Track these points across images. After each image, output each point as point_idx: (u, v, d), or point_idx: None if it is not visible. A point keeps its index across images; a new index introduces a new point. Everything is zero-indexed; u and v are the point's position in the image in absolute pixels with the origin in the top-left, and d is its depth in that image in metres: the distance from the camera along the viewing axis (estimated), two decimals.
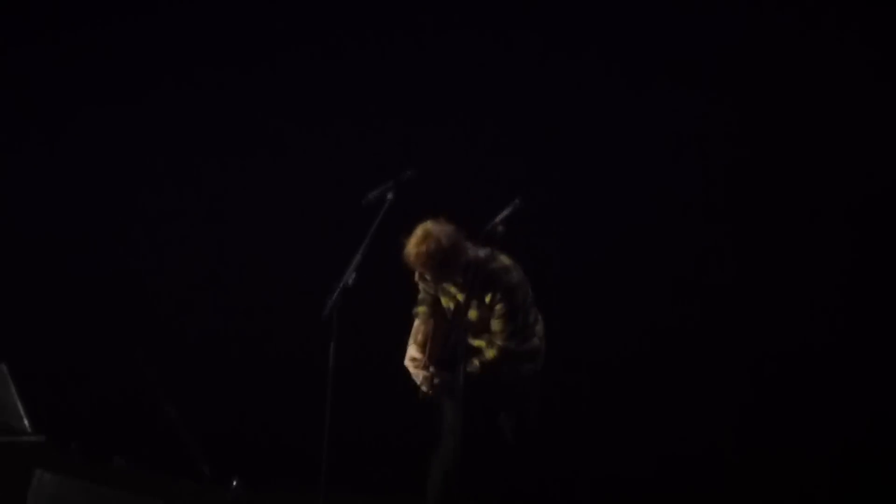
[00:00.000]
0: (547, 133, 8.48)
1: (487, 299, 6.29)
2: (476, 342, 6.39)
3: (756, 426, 8.14)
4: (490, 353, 6.38)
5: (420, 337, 6.59)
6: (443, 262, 6.22)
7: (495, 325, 6.35)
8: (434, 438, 6.56)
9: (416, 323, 6.65)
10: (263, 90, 8.93)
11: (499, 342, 6.36)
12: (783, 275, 8.13)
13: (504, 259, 6.33)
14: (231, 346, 8.98)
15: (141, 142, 9.01)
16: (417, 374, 6.43)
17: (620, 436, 8.28)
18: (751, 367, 8.14)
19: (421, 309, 6.64)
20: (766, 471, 8.10)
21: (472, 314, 6.34)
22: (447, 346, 6.37)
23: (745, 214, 8.21)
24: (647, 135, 8.30)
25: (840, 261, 7.99)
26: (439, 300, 6.56)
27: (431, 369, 6.38)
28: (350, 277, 6.23)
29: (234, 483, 7.60)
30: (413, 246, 6.21)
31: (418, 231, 6.25)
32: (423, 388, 6.40)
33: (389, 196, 6.38)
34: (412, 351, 6.58)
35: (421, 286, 6.60)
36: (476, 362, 6.35)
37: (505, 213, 6.12)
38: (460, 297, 6.37)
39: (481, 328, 6.39)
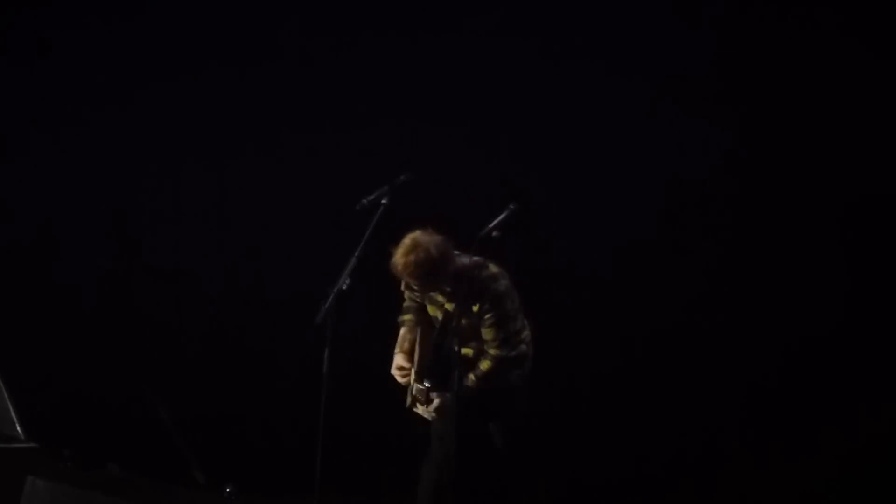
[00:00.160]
0: (542, 137, 8.48)
1: (475, 308, 6.26)
2: (465, 350, 6.36)
3: (753, 427, 8.16)
4: (485, 365, 6.35)
5: (406, 345, 6.58)
6: (431, 271, 6.19)
7: (486, 333, 6.33)
8: (423, 444, 6.55)
9: (403, 331, 6.63)
10: (260, 94, 8.92)
11: (492, 351, 6.34)
12: (781, 275, 8.14)
13: (492, 267, 6.30)
14: (225, 352, 8.97)
15: (135, 143, 9.00)
16: (420, 391, 6.38)
17: (612, 441, 8.28)
18: (747, 370, 8.15)
19: (407, 317, 6.62)
20: (763, 473, 8.10)
21: (458, 322, 6.29)
22: (438, 357, 6.34)
23: (741, 216, 8.22)
24: (643, 137, 8.30)
25: (839, 262, 8.00)
26: (425, 308, 6.54)
27: (426, 383, 6.35)
28: (344, 282, 6.21)
29: (228, 489, 7.58)
30: (401, 256, 6.18)
31: (406, 241, 6.22)
32: (419, 407, 6.38)
33: (384, 201, 6.37)
34: (399, 360, 6.56)
35: (406, 294, 6.59)
36: (472, 377, 6.33)
37: (500, 218, 6.09)
38: (448, 305, 6.35)
39: (470, 336, 6.36)
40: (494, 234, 6.06)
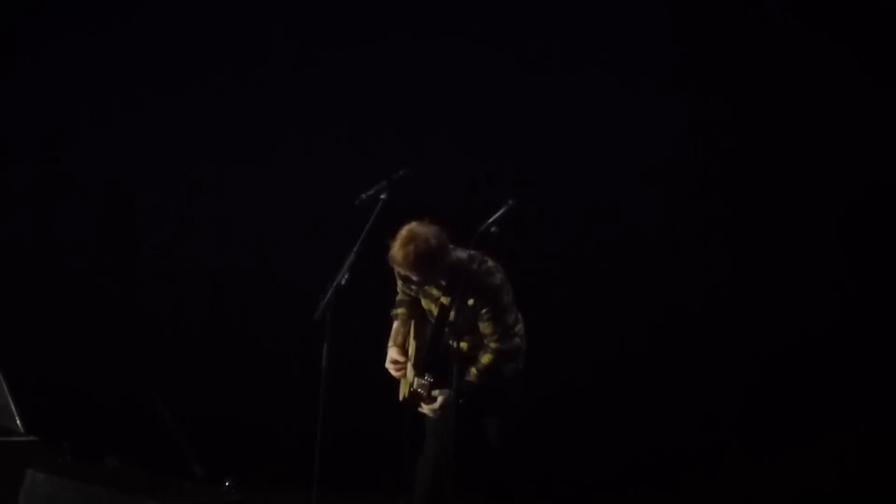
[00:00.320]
0: (541, 133, 8.49)
1: (471, 302, 6.26)
2: (461, 344, 6.35)
3: (751, 422, 8.17)
4: (486, 358, 6.36)
5: (399, 338, 6.58)
6: (430, 261, 6.19)
7: (485, 328, 6.33)
8: (419, 439, 6.55)
9: (396, 325, 6.63)
10: (259, 91, 8.93)
11: (492, 345, 6.35)
12: (779, 272, 8.15)
13: (487, 261, 6.29)
14: (224, 346, 8.98)
15: (136, 142, 9.01)
16: (422, 385, 6.37)
17: (609, 436, 8.31)
18: (744, 366, 8.17)
19: (400, 311, 6.63)
20: (760, 468, 8.12)
21: (454, 316, 6.28)
22: (436, 351, 6.34)
23: (739, 214, 8.23)
24: (640, 134, 8.31)
25: (834, 260, 8.02)
26: (418, 301, 6.54)
27: (428, 377, 6.35)
28: (343, 277, 6.21)
29: (227, 483, 7.58)
30: (399, 248, 6.18)
31: (402, 233, 6.22)
32: (422, 398, 6.36)
33: (383, 196, 6.36)
34: (393, 353, 6.57)
35: (399, 287, 6.59)
36: (474, 370, 6.33)
37: (499, 213, 6.10)
38: (444, 299, 6.34)
39: (466, 330, 6.35)
40: (493, 229, 6.06)
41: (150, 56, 8.97)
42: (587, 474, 8.27)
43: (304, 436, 6.85)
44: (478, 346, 6.39)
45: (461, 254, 6.28)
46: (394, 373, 6.57)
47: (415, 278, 6.33)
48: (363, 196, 6.38)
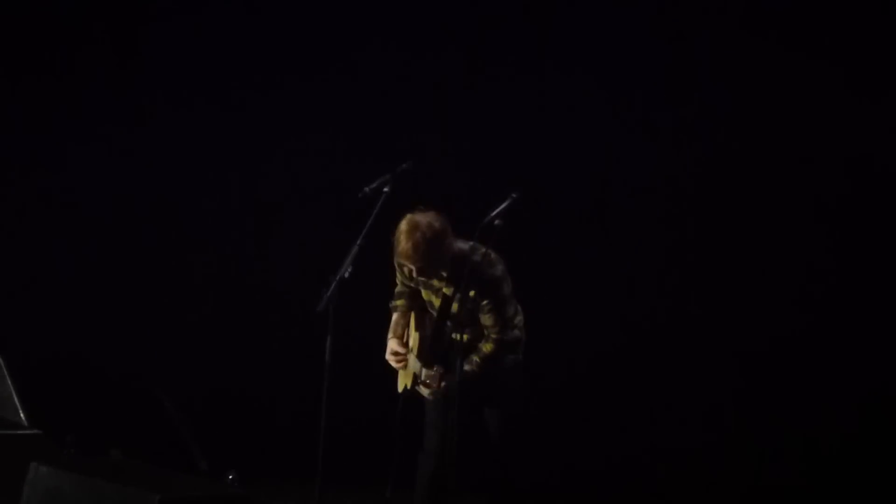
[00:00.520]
0: (541, 129, 8.51)
1: (472, 293, 6.24)
2: (463, 336, 6.34)
3: (748, 424, 8.19)
4: (487, 347, 6.35)
5: (399, 330, 6.58)
6: (438, 246, 6.18)
7: (486, 319, 6.33)
8: (410, 432, 6.55)
9: (395, 316, 6.63)
10: (264, 85, 8.94)
11: (494, 335, 6.35)
12: (776, 272, 8.17)
13: (488, 252, 6.26)
14: (228, 340, 8.98)
15: (138, 140, 9.02)
16: (430, 376, 6.35)
17: (608, 429, 8.32)
18: (739, 361, 8.19)
19: (399, 302, 6.62)
20: (752, 464, 8.14)
21: (457, 307, 6.27)
22: (440, 342, 6.34)
23: (735, 211, 8.26)
24: (638, 131, 8.34)
25: (820, 254, 8.06)
26: (418, 292, 6.53)
27: (437, 369, 6.33)
28: (346, 270, 6.21)
29: (231, 476, 7.59)
30: (406, 239, 6.18)
31: (403, 225, 6.22)
32: (431, 389, 6.35)
33: (386, 189, 6.35)
34: (393, 345, 6.56)
35: (399, 279, 6.58)
36: (476, 358, 6.33)
37: (502, 206, 6.09)
38: (447, 290, 6.34)
39: (468, 321, 6.34)
40: (496, 222, 6.06)
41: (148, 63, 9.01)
42: (588, 468, 8.27)
43: (307, 428, 6.85)
44: (479, 337, 6.38)
45: (463, 245, 6.28)
46: (394, 364, 6.56)
47: (422, 267, 6.28)
48: (366, 189, 6.37)
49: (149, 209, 9.06)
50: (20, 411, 7.01)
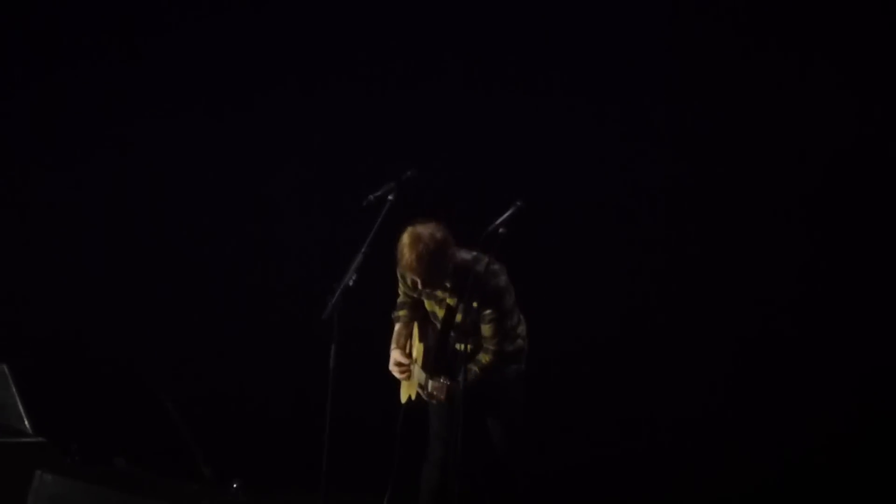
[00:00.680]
0: (546, 136, 8.52)
1: (475, 304, 6.23)
2: (467, 346, 6.32)
3: (749, 423, 8.20)
4: (485, 358, 6.35)
5: (402, 340, 6.57)
6: (441, 256, 6.18)
7: (486, 330, 6.32)
8: (412, 442, 6.55)
9: (398, 327, 6.63)
10: (269, 92, 8.94)
11: (492, 347, 6.33)
12: (776, 271, 8.19)
13: (492, 262, 6.26)
14: (232, 347, 8.98)
15: (139, 139, 9.02)
16: (437, 388, 6.34)
17: (611, 435, 8.32)
18: (739, 361, 8.21)
19: (402, 312, 6.62)
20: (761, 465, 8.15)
21: (461, 318, 6.26)
22: (444, 353, 6.33)
23: (731, 209, 8.29)
24: (636, 132, 8.37)
25: (820, 254, 8.08)
26: (420, 303, 6.53)
27: (444, 380, 6.32)
28: (351, 278, 6.20)
29: (235, 484, 7.59)
30: (409, 251, 6.18)
31: (405, 238, 6.22)
32: (438, 400, 6.34)
33: (391, 197, 6.35)
34: (396, 356, 6.56)
35: (401, 289, 6.57)
36: (475, 368, 6.32)
37: (506, 215, 6.08)
38: (450, 300, 6.33)
39: (472, 331, 6.32)
40: (501, 230, 6.05)
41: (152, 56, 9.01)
42: (590, 475, 8.26)
43: (311, 436, 6.85)
44: (480, 348, 6.38)
45: (465, 255, 6.27)
46: (398, 375, 6.56)
47: (426, 278, 6.28)
48: (371, 197, 6.37)
49: (156, 212, 9.06)
50: (24, 419, 7.00)
